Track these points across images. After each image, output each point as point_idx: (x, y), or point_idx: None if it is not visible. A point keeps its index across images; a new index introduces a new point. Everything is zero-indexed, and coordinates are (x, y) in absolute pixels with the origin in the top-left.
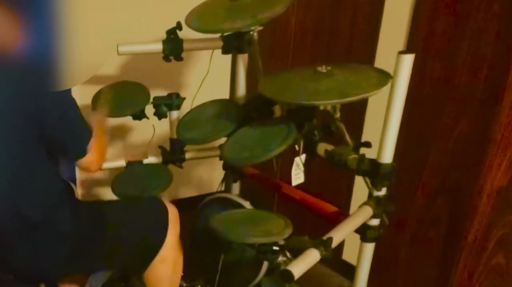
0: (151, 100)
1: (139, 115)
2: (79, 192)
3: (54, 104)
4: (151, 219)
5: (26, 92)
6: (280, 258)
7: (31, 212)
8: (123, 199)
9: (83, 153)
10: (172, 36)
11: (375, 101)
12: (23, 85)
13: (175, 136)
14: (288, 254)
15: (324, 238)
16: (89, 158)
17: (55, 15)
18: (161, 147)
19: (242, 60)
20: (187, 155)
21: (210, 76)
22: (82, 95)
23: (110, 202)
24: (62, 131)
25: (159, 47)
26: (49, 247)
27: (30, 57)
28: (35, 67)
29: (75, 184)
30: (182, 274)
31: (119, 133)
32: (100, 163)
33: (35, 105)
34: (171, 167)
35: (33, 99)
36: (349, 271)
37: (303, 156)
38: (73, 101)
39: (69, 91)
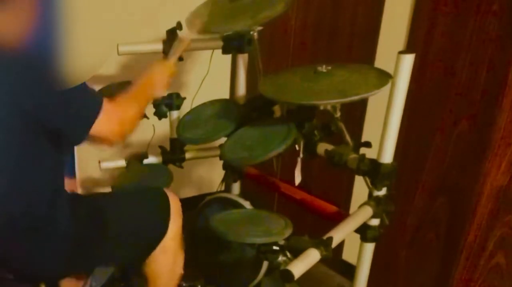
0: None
1: None
2: (79, 191)
3: (52, 97)
4: (152, 209)
5: (24, 88)
6: (280, 258)
7: (30, 207)
8: (124, 190)
9: (84, 135)
10: (172, 36)
11: (375, 101)
12: (21, 80)
13: (175, 136)
14: (288, 254)
15: (324, 238)
16: (104, 127)
17: (55, 13)
18: (161, 147)
19: (242, 60)
20: (187, 155)
21: (210, 76)
22: None
23: (110, 195)
24: (62, 119)
25: (159, 47)
26: (49, 246)
27: (31, 53)
28: (35, 64)
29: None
30: (182, 272)
31: None
32: (122, 131)
33: (32, 101)
34: (171, 167)
35: (30, 95)
36: (349, 271)
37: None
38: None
39: None
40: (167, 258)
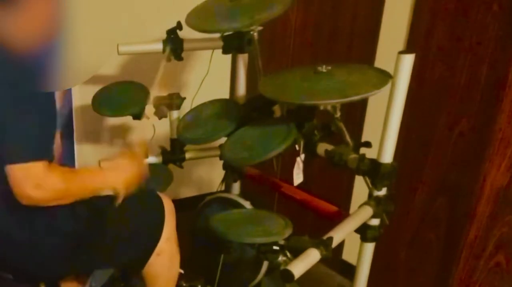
0: (151, 100)
1: (139, 115)
2: None
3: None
4: (148, 212)
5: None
6: (280, 258)
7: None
8: None
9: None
10: (172, 36)
11: (375, 101)
12: (15, 77)
13: (175, 136)
14: (288, 254)
15: (324, 238)
16: (29, 177)
17: (62, 17)
18: (161, 147)
19: (242, 60)
20: (187, 155)
21: (210, 76)
22: (82, 95)
23: (108, 197)
24: (12, 129)
25: (159, 47)
26: (49, 246)
27: (33, 55)
28: (33, 68)
29: None
30: (182, 271)
31: (119, 133)
32: (39, 196)
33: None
34: (171, 167)
35: (17, 93)
36: (349, 271)
37: (303, 156)
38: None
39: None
40: (163, 260)
